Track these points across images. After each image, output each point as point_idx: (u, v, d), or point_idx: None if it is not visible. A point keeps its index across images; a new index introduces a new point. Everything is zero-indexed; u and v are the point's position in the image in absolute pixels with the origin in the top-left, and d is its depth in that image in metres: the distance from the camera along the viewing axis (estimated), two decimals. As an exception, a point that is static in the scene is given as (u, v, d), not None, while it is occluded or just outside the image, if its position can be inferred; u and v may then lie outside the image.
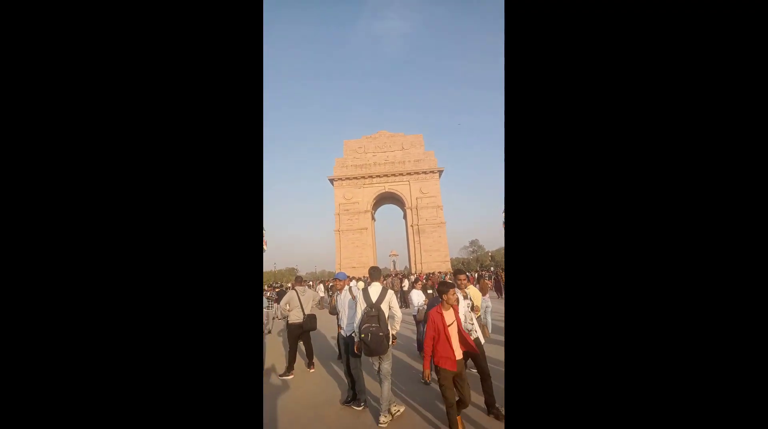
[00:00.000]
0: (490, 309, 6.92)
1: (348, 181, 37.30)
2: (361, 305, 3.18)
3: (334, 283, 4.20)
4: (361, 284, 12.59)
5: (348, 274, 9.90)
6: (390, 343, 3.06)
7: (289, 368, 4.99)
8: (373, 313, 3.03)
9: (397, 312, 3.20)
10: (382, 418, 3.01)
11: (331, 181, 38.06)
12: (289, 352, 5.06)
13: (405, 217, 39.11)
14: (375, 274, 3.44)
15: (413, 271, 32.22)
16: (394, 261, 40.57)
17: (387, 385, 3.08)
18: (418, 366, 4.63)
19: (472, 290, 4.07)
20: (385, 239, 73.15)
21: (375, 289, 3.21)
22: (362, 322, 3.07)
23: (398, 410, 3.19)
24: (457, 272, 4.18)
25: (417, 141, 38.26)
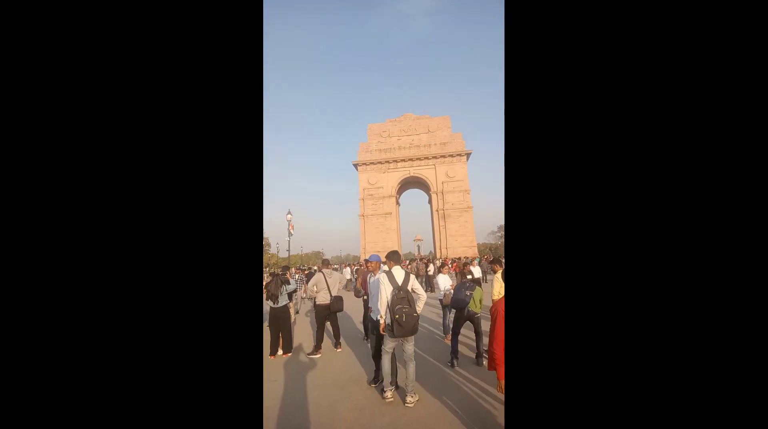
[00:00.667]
0: None
1: (372, 165, 37.15)
2: (387, 288, 3.22)
3: (364, 265, 4.16)
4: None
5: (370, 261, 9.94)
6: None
7: (317, 347, 5.09)
8: (402, 295, 3.10)
9: (422, 293, 3.30)
10: (408, 398, 3.07)
11: (356, 166, 38.08)
12: (317, 331, 5.15)
13: (430, 201, 38.62)
14: (395, 258, 3.50)
15: (438, 256, 31.99)
16: (418, 246, 40.50)
17: (412, 366, 3.19)
18: (442, 350, 4.57)
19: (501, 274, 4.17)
20: (409, 224, 72.90)
21: (398, 272, 3.30)
22: (394, 303, 3.11)
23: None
24: (494, 262, 4.59)
25: (444, 123, 37.17)
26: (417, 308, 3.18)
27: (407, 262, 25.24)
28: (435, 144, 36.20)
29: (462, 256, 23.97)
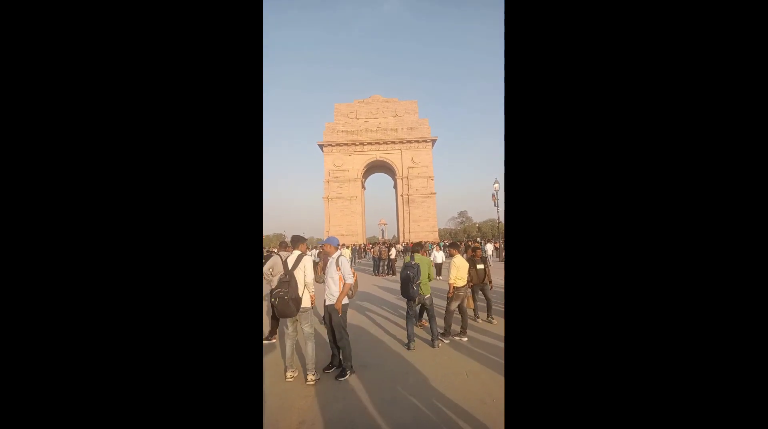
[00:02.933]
0: None
1: (338, 147, 36.18)
2: (277, 271, 3.63)
3: (322, 248, 3.95)
4: (347, 252, 12.76)
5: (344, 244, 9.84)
6: (297, 307, 3.35)
7: (272, 332, 4.89)
8: (285, 279, 3.34)
9: (309, 277, 3.47)
10: (309, 377, 3.28)
11: (321, 146, 36.87)
12: (272, 317, 4.93)
13: (395, 186, 38.73)
14: (295, 242, 3.81)
15: (401, 241, 32.45)
16: (382, 229, 40.77)
17: (309, 346, 3.38)
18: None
19: (458, 259, 4.83)
20: (374, 207, 73.12)
21: (292, 257, 3.53)
22: (275, 287, 3.39)
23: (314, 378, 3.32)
24: (452, 245, 5.10)
25: (411, 107, 36.96)
26: (298, 291, 3.34)
27: (370, 245, 25.49)
28: (402, 128, 35.99)
29: (423, 240, 24.51)
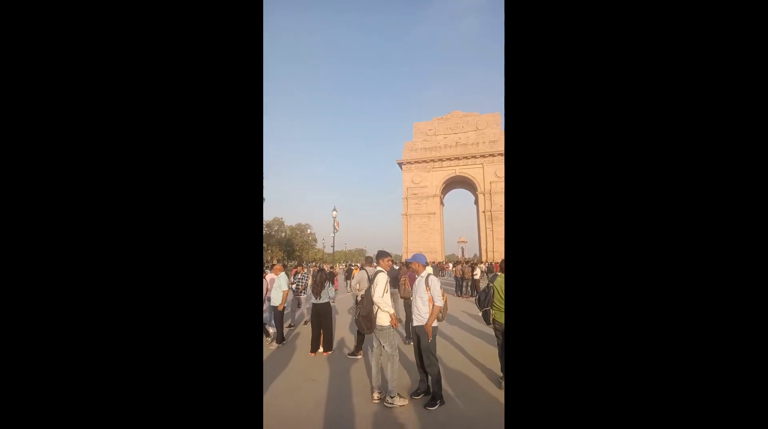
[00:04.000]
0: None
1: (416, 164, 36.59)
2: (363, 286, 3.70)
3: (408, 266, 3.83)
4: (430, 269, 12.37)
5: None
6: (369, 325, 3.30)
7: (358, 348, 4.91)
8: (364, 295, 3.37)
9: (377, 295, 3.32)
10: (387, 399, 3.14)
11: (400, 164, 37.81)
12: (357, 332, 4.97)
13: (476, 202, 37.11)
14: (379, 257, 3.67)
15: (483, 260, 30.60)
16: (462, 247, 39.25)
17: (388, 366, 3.19)
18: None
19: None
20: (453, 224, 71.32)
21: (373, 272, 3.52)
22: (357, 303, 3.59)
23: (402, 403, 3.15)
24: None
25: (493, 120, 35.47)
26: (372, 309, 3.30)
27: (450, 264, 24.54)
28: (483, 142, 34.67)
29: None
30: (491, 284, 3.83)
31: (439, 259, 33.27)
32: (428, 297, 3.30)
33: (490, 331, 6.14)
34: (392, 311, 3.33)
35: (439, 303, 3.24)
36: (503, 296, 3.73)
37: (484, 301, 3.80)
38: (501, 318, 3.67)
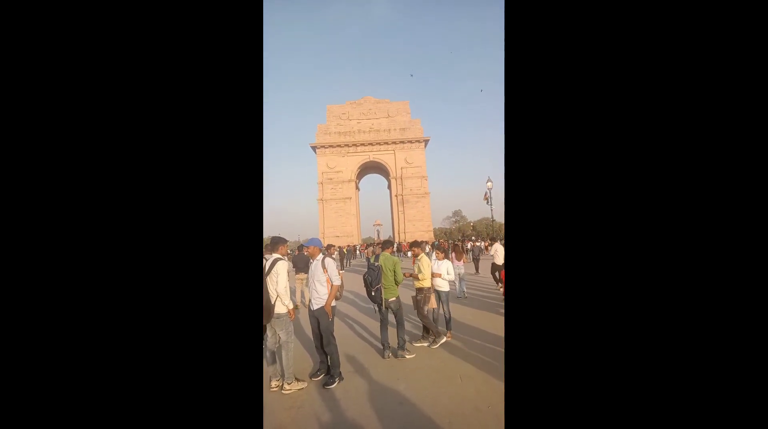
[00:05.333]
0: (460, 276, 7.34)
1: (331, 148, 35.95)
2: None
3: (306, 250, 3.72)
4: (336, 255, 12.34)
5: (334, 244, 9.57)
6: (267, 315, 3.12)
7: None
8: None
9: (280, 286, 3.18)
10: (286, 386, 3.13)
11: (314, 148, 36.61)
12: (260, 323, 4.74)
13: (389, 186, 38.58)
14: (274, 244, 3.51)
15: (396, 241, 32.30)
16: (378, 230, 40.61)
17: (284, 354, 3.16)
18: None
19: (423, 257, 4.54)
20: (369, 208, 72.94)
21: (271, 260, 3.30)
22: None
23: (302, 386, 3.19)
24: (414, 244, 4.82)
25: (403, 108, 36.89)
26: (270, 299, 3.15)
27: (365, 245, 25.25)
28: (394, 129, 35.89)
29: (419, 239, 24.23)
30: (377, 264, 4.01)
31: (356, 242, 33.86)
32: (326, 278, 3.33)
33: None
34: (291, 306, 3.24)
35: (337, 282, 3.32)
36: (388, 273, 4.00)
37: (375, 279, 3.93)
38: (387, 295, 3.97)
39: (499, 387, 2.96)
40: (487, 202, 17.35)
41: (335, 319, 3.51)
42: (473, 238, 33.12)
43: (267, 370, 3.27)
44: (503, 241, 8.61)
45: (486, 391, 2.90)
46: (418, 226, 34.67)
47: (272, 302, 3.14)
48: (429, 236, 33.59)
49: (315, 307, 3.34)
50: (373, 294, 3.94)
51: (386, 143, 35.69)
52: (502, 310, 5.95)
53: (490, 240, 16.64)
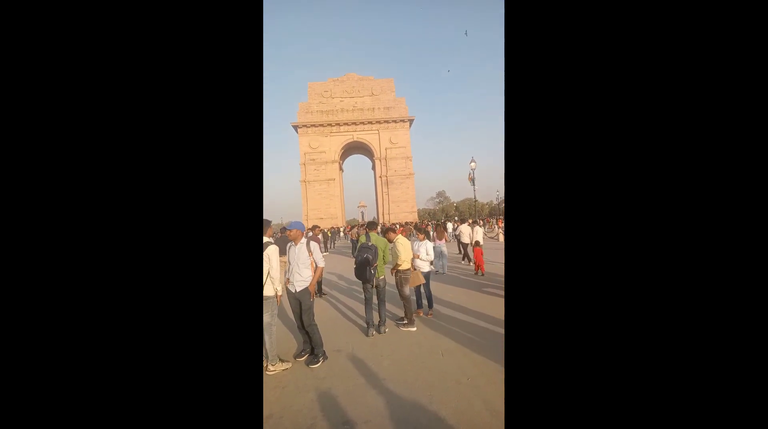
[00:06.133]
0: (442, 253, 7.78)
1: (314, 128, 35.02)
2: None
3: (287, 233, 3.64)
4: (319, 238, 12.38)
5: (318, 226, 9.51)
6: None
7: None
8: None
9: (274, 270, 3.19)
10: (270, 367, 3.12)
11: (295, 127, 35.55)
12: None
13: (374, 167, 38.23)
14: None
15: (380, 222, 32.44)
16: (362, 212, 40.59)
17: (267, 337, 3.13)
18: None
19: (400, 239, 4.50)
20: (353, 189, 72.47)
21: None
22: None
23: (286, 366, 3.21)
24: (390, 230, 4.66)
25: (387, 86, 36.05)
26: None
27: (350, 227, 25.23)
28: (379, 108, 35.19)
29: (402, 221, 24.49)
30: (371, 243, 4.01)
31: (340, 224, 33.76)
32: (311, 261, 3.32)
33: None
34: (281, 291, 3.23)
35: (322, 264, 3.33)
36: (380, 253, 4.04)
37: (374, 258, 3.92)
38: (377, 273, 4.05)
39: (478, 360, 3.08)
40: (471, 183, 17.51)
41: (322, 300, 3.52)
42: (456, 219, 33.65)
43: None
44: (470, 222, 10.28)
45: (466, 365, 3.01)
46: (403, 206, 34.80)
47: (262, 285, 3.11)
48: (413, 217, 33.84)
49: (298, 289, 3.32)
50: (371, 272, 3.93)
51: (370, 122, 35.04)
52: (485, 289, 6.13)
53: (461, 221, 17.14)
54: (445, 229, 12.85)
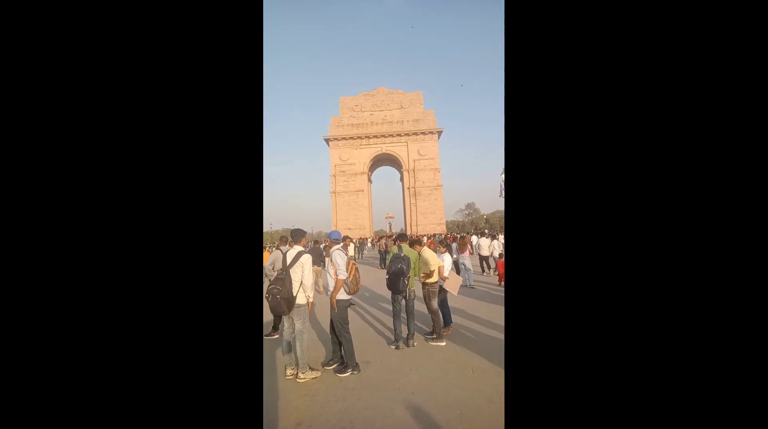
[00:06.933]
0: (465, 266, 7.77)
1: (344, 140, 35.98)
2: (278, 267, 3.41)
3: (326, 243, 3.78)
4: (351, 247, 12.46)
5: (349, 236, 9.55)
6: (289, 306, 3.23)
7: (275, 328, 4.82)
8: (281, 276, 3.22)
9: (307, 279, 3.29)
10: (300, 374, 3.19)
11: (327, 140, 36.71)
12: (274, 314, 4.85)
13: (402, 179, 38.41)
14: (296, 237, 3.54)
15: (408, 233, 32.27)
16: (390, 223, 40.69)
17: (297, 344, 3.25)
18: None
19: (426, 251, 4.43)
20: (381, 201, 73.02)
21: (292, 252, 3.34)
22: (270, 283, 3.28)
23: (315, 375, 3.26)
24: (417, 242, 4.60)
25: (416, 99, 36.44)
26: (293, 290, 3.20)
27: (377, 238, 25.36)
28: (407, 121, 35.56)
29: (429, 233, 24.23)
30: (403, 254, 4.01)
31: (368, 234, 34.03)
32: (333, 271, 3.37)
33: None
34: (312, 298, 3.33)
35: (342, 276, 3.32)
36: (412, 264, 4.05)
37: (408, 269, 3.93)
38: (411, 284, 4.09)
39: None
40: (501, 195, 17.06)
41: (349, 311, 3.55)
42: (483, 232, 32.77)
43: (283, 358, 3.37)
44: (488, 235, 10.59)
45: (499, 384, 2.90)
46: (431, 218, 34.51)
47: (294, 293, 3.22)
48: (441, 229, 33.41)
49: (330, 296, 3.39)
50: (404, 283, 3.94)
51: (399, 135, 35.43)
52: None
53: (480, 234, 16.78)
54: (470, 242, 12.57)
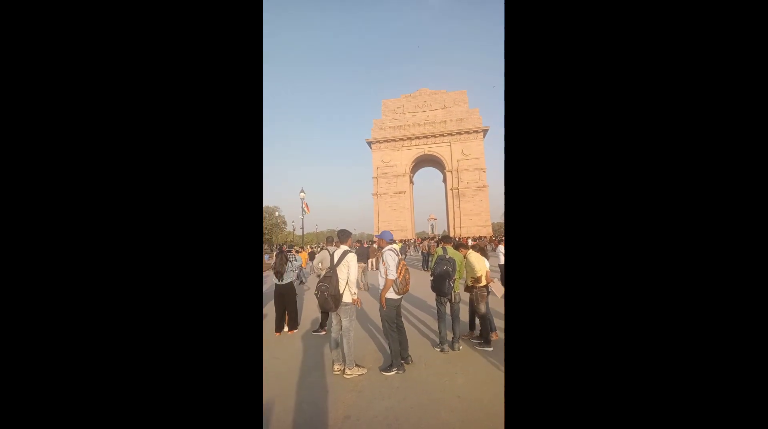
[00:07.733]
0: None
1: (386, 143, 36.34)
2: (326, 265, 3.53)
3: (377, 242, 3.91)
4: (396, 247, 12.64)
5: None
6: (336, 303, 3.37)
7: (322, 324, 5.02)
8: (329, 274, 3.37)
9: (352, 276, 3.45)
10: (347, 370, 3.30)
11: (369, 143, 37.36)
12: (322, 310, 5.06)
13: (444, 180, 37.78)
14: (342, 237, 3.70)
15: (452, 235, 31.62)
16: (432, 225, 40.19)
17: (344, 342, 3.36)
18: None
19: (472, 254, 4.42)
20: (423, 202, 72.40)
21: (338, 252, 3.51)
22: (319, 282, 3.44)
23: (361, 372, 3.34)
24: (459, 245, 4.59)
25: (460, 98, 35.64)
26: (339, 288, 3.35)
27: (420, 239, 25.16)
28: (451, 120, 34.91)
29: (475, 235, 23.52)
30: (448, 256, 3.98)
31: (410, 236, 33.97)
32: (384, 270, 3.44)
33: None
34: (357, 295, 3.47)
35: (391, 276, 3.37)
36: (458, 267, 3.99)
37: (453, 271, 3.92)
38: (457, 287, 4.05)
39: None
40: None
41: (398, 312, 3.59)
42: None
43: (331, 354, 3.52)
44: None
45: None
46: (475, 220, 33.46)
47: (341, 291, 3.36)
48: (487, 231, 32.26)
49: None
50: (450, 285, 3.93)
51: (441, 135, 34.92)
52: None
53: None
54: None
